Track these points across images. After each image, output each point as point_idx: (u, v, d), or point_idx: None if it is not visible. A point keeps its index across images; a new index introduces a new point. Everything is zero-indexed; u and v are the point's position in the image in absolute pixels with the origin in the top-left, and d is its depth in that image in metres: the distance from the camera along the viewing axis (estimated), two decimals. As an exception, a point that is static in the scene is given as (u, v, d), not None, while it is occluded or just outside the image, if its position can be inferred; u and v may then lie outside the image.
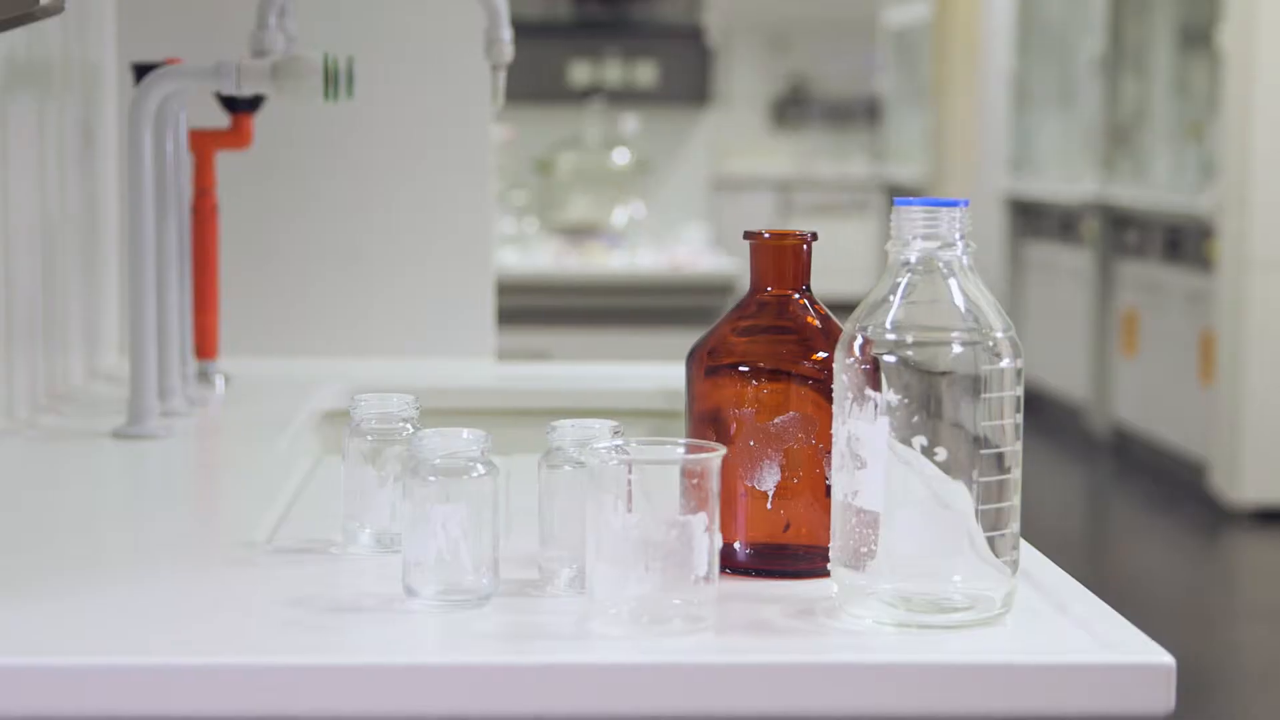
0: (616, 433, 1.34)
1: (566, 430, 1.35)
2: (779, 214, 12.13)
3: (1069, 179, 8.56)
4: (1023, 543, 1.48)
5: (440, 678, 1.17)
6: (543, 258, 5.55)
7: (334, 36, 2.54)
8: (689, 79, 6.30)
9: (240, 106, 2.29)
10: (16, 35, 1.99)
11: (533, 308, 5.05)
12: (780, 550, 1.40)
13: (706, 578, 1.24)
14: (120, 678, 1.15)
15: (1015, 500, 1.28)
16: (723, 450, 1.25)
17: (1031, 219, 9.02)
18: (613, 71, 6.29)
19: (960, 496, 1.26)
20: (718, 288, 5.21)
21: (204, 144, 2.30)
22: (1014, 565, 1.28)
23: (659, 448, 1.27)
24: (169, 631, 1.24)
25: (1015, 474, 1.28)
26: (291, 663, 1.17)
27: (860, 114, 13.43)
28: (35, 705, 1.14)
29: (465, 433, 1.31)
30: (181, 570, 1.40)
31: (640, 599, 1.23)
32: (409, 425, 1.46)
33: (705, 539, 1.24)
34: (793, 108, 13.67)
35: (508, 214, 5.78)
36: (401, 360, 2.61)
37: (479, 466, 1.30)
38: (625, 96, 6.26)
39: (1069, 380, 8.18)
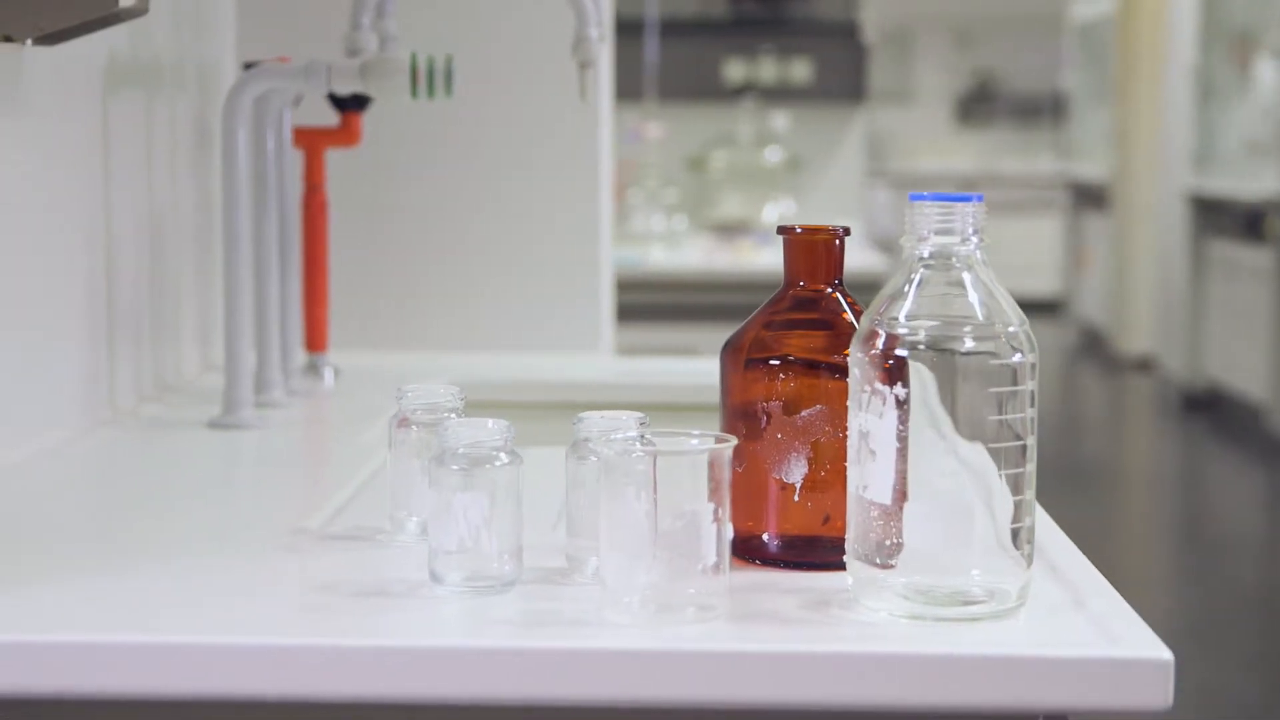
0: (642, 424, 1.36)
1: (593, 421, 1.37)
2: (961, 212, 12.01)
3: (1252, 176, 8.41)
4: (1059, 535, 1.48)
5: (446, 662, 1.19)
6: (693, 255, 5.56)
7: (441, 35, 2.59)
8: (844, 76, 6.28)
9: (348, 105, 2.34)
10: (118, 36, 2.04)
11: (682, 304, 5.07)
12: (812, 542, 1.40)
13: (717, 567, 1.25)
14: (126, 656, 1.18)
15: (1031, 493, 1.28)
16: (733, 441, 1.26)
17: (1214, 216, 8.87)
18: (767, 69, 6.29)
19: (979, 490, 1.26)
20: (866, 285, 5.19)
21: (314, 141, 2.35)
22: (1029, 558, 1.28)
23: (671, 439, 1.28)
24: (192, 612, 1.27)
25: (1031, 467, 1.28)
26: (305, 644, 1.19)
27: (1046, 110, 13.30)
28: (43, 683, 1.19)
29: (490, 422, 1.33)
30: (223, 555, 1.43)
31: (650, 588, 1.24)
32: (454, 416, 1.48)
33: (714, 529, 1.25)
34: (979, 104, 13.56)
35: (658, 211, 5.80)
36: (513, 354, 2.64)
37: (502, 455, 1.32)
38: (779, 94, 6.25)
39: (1250, 380, 8.03)
